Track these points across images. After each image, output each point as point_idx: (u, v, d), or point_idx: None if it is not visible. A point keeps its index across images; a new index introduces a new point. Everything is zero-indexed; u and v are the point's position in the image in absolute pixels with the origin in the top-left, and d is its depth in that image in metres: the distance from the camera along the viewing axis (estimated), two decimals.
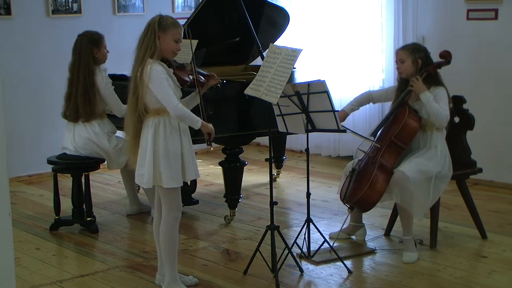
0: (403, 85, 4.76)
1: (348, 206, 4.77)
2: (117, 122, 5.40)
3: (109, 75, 5.41)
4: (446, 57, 4.73)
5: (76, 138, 5.27)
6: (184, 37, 4.11)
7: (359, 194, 4.61)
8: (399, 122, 4.60)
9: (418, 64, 4.67)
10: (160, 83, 3.89)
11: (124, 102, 5.30)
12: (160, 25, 3.92)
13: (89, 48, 5.21)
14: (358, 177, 4.68)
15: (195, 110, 4.12)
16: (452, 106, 4.78)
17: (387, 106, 5.96)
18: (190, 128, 4.08)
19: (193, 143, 4.16)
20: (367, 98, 5.03)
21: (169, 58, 4.03)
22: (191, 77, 4.15)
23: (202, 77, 4.27)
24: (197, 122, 3.99)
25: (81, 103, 5.19)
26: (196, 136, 4.26)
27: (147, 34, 3.93)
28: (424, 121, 4.65)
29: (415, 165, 4.55)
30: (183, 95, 4.12)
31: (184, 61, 4.41)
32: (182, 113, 3.92)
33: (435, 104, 4.56)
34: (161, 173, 3.95)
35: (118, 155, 5.34)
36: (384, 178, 4.59)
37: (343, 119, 4.87)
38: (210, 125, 4.07)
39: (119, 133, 5.50)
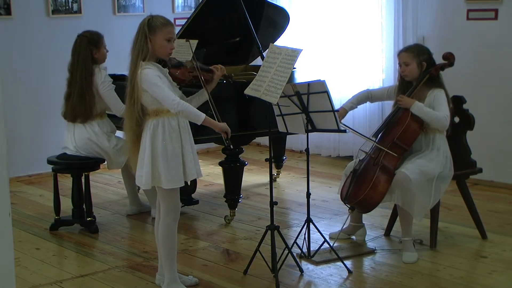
0: (404, 86, 4.73)
1: (349, 206, 4.76)
2: (117, 122, 5.40)
3: (109, 75, 5.41)
4: (449, 59, 4.70)
5: (76, 138, 5.27)
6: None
7: (361, 195, 4.60)
8: (402, 123, 4.57)
9: (423, 67, 4.63)
10: (154, 83, 3.84)
11: (124, 103, 5.33)
12: (149, 27, 3.87)
13: (89, 48, 5.21)
14: (359, 178, 4.67)
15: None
16: (452, 106, 4.76)
17: (387, 106, 5.99)
18: (191, 127, 4.06)
19: (195, 143, 4.13)
20: (366, 97, 5.00)
21: (164, 58, 3.99)
22: (191, 75, 4.11)
23: (207, 73, 4.18)
24: (200, 116, 3.89)
25: (77, 103, 5.19)
26: (197, 135, 4.24)
27: (138, 37, 3.90)
28: (426, 123, 4.61)
29: (416, 166, 4.53)
30: (187, 95, 4.10)
31: (183, 60, 4.36)
32: (182, 108, 3.85)
33: (426, 109, 4.53)
34: (160, 174, 3.94)
35: (118, 155, 5.34)
36: (386, 179, 4.57)
37: (342, 117, 4.85)
38: (223, 124, 3.99)
39: (119, 133, 5.51)
